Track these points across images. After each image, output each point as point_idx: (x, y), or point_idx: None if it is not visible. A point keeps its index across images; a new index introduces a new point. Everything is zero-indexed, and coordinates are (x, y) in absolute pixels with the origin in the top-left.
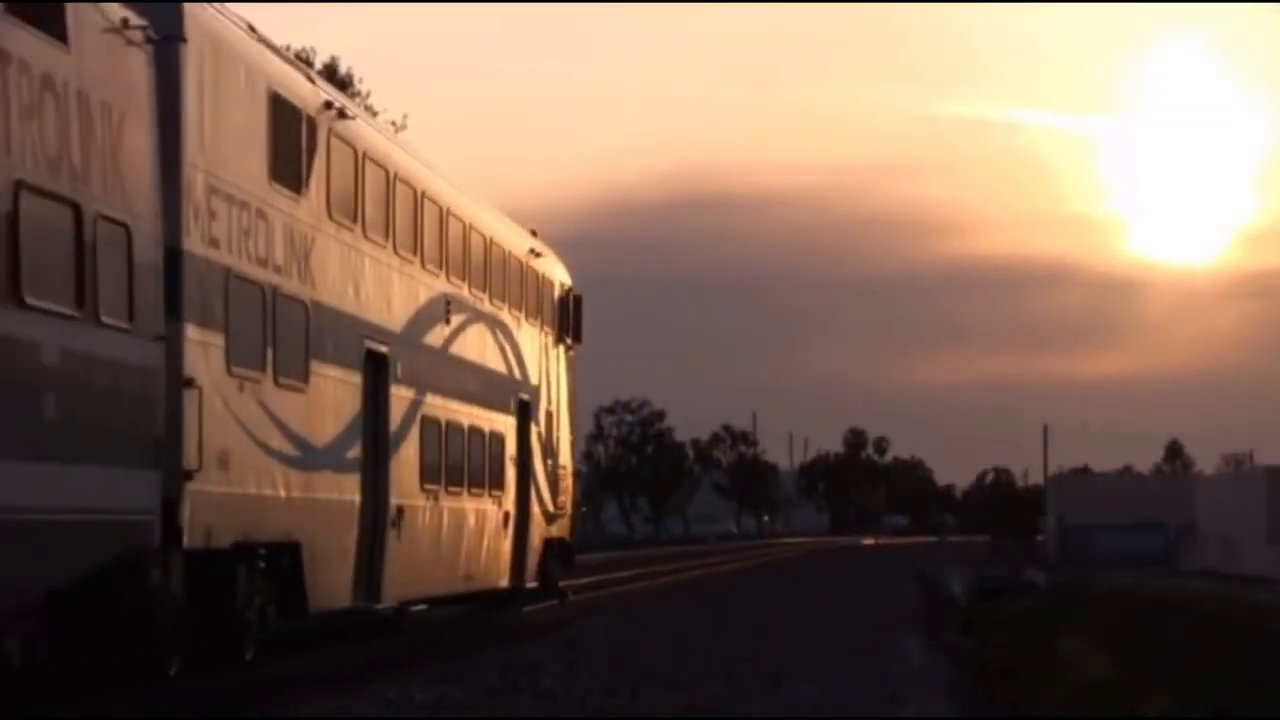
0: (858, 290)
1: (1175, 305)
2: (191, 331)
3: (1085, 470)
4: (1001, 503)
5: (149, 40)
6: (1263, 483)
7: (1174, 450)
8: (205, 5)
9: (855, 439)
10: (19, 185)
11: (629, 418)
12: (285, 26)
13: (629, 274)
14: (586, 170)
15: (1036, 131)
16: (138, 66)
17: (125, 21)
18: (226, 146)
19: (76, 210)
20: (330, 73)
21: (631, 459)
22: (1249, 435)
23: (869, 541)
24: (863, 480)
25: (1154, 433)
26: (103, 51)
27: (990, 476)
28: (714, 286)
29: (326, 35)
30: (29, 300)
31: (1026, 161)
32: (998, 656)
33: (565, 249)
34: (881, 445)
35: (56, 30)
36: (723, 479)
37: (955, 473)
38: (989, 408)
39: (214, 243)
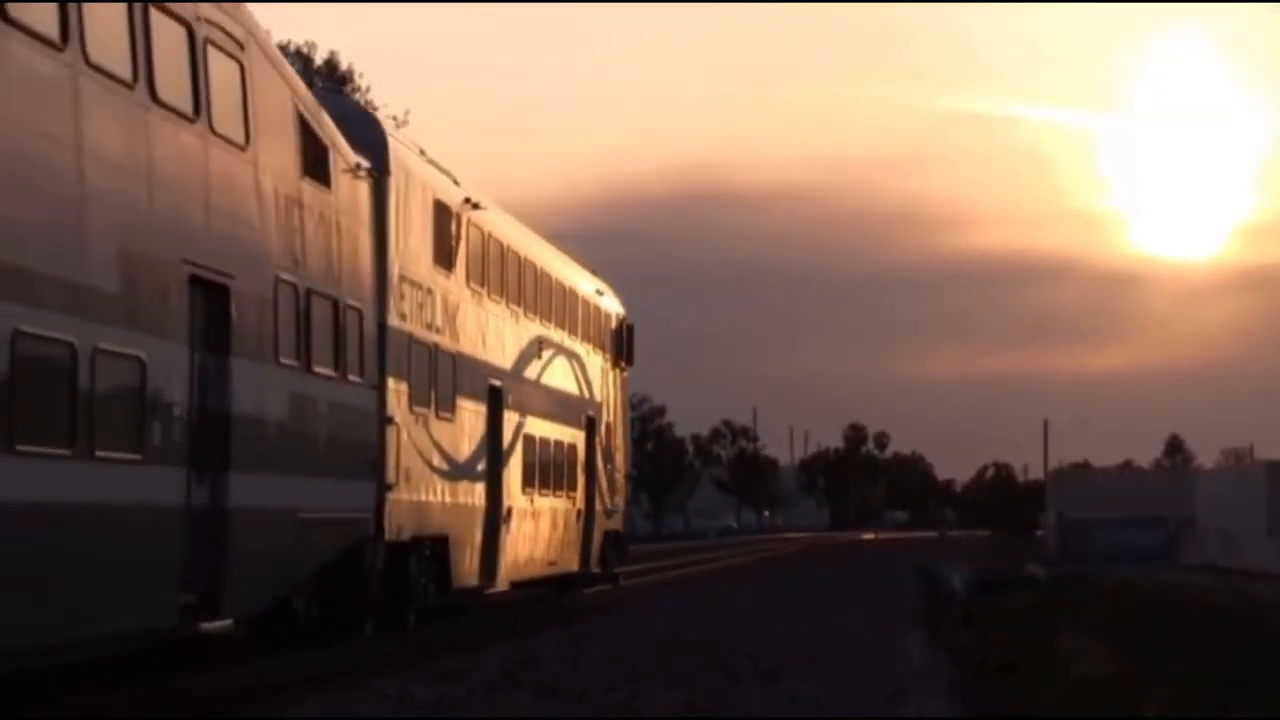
0: (858, 286)
1: (1175, 300)
2: (391, 383)
3: (1085, 465)
4: (1002, 498)
5: (370, 175)
6: (1262, 477)
7: (1174, 445)
8: (400, 142)
9: (855, 434)
10: (310, 292)
11: (630, 413)
12: (285, 23)
13: (629, 270)
14: (587, 166)
15: (1037, 127)
16: (364, 195)
17: (358, 165)
18: (410, 244)
19: (335, 303)
20: (330, 69)
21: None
22: (1249, 430)
23: (869, 537)
24: (863, 476)
25: (1154, 427)
26: (346, 188)
27: (990, 472)
28: (714, 282)
29: (327, 31)
30: (314, 368)
31: (1027, 157)
32: (998, 653)
33: (565, 243)
34: (882, 441)
35: (325, 179)
36: (723, 475)
37: (955, 468)
38: (989, 403)
39: (403, 316)
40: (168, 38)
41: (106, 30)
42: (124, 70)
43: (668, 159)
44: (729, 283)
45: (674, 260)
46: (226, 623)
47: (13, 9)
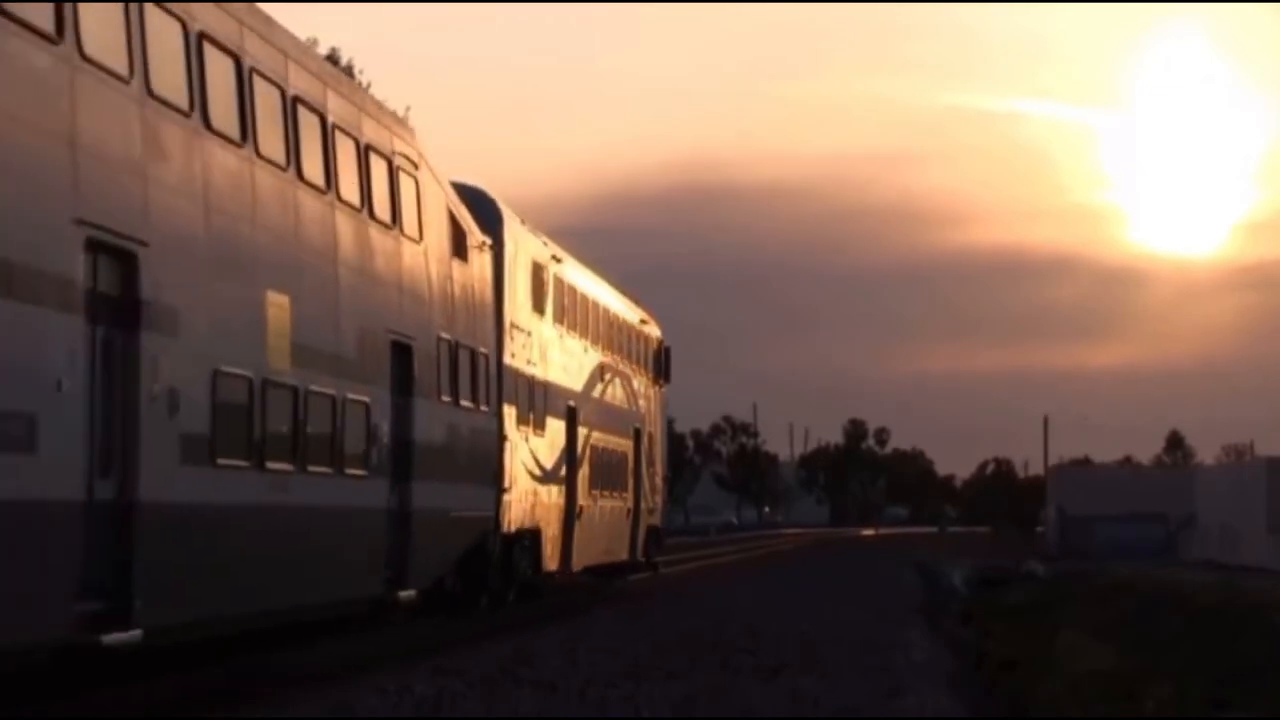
0: (858, 281)
1: (1176, 296)
2: (507, 409)
3: (1086, 461)
4: (1002, 494)
5: (491, 248)
6: (1263, 473)
7: (1175, 441)
8: (510, 217)
9: (855, 430)
10: (457, 344)
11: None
12: (285, 20)
13: (629, 265)
14: (586, 161)
15: (1037, 122)
16: (487, 264)
17: (483, 242)
18: (516, 298)
19: (472, 352)
20: (332, 65)
21: None
22: (1249, 426)
23: (869, 533)
24: (863, 471)
25: (1154, 424)
26: (477, 260)
27: (991, 468)
28: (714, 278)
29: (328, 26)
30: (460, 402)
31: (1027, 152)
32: (998, 648)
33: (564, 240)
34: (882, 436)
35: (464, 256)
36: (723, 470)
37: (956, 464)
38: (989, 399)
39: (513, 355)
40: (380, 171)
41: (349, 172)
42: (357, 200)
43: (667, 155)
44: (729, 278)
45: (673, 256)
46: (411, 593)
47: (307, 171)
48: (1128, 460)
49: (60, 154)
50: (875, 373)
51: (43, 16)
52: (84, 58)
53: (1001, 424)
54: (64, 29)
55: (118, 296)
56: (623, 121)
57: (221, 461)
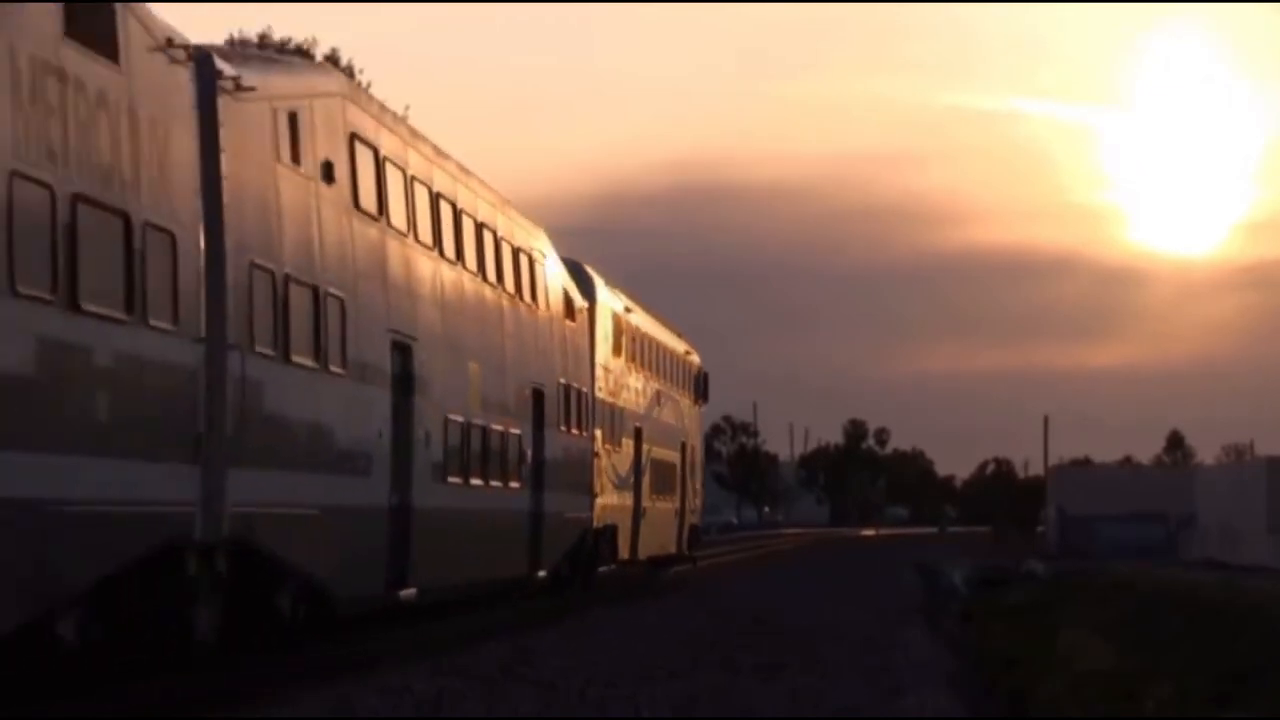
0: (858, 281)
1: (1176, 296)
2: (598, 433)
3: (1086, 461)
4: (1002, 494)
5: (587, 309)
6: (1263, 473)
7: (1175, 441)
8: (600, 283)
9: (855, 430)
10: (569, 386)
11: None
12: (285, 19)
13: (628, 265)
14: (586, 161)
15: (1037, 122)
16: (585, 321)
17: (583, 307)
18: (602, 344)
19: (578, 390)
20: (331, 64)
21: None
22: (1250, 426)
23: (869, 533)
24: (863, 471)
25: (1154, 423)
26: (580, 319)
27: (991, 468)
28: (714, 278)
29: (327, 25)
30: (570, 430)
31: (1027, 152)
32: (998, 647)
33: (565, 239)
34: (882, 436)
35: (572, 317)
36: (723, 470)
37: (956, 464)
38: (990, 399)
39: (600, 389)
40: (525, 263)
41: (509, 268)
42: (513, 288)
43: (667, 154)
44: (728, 279)
45: (673, 256)
46: (543, 573)
47: (489, 274)
48: (1128, 460)
49: (380, 289)
50: (875, 373)
51: (371, 204)
52: (390, 226)
53: (1001, 424)
54: (384, 211)
55: (401, 374)
56: (623, 121)
57: (449, 479)
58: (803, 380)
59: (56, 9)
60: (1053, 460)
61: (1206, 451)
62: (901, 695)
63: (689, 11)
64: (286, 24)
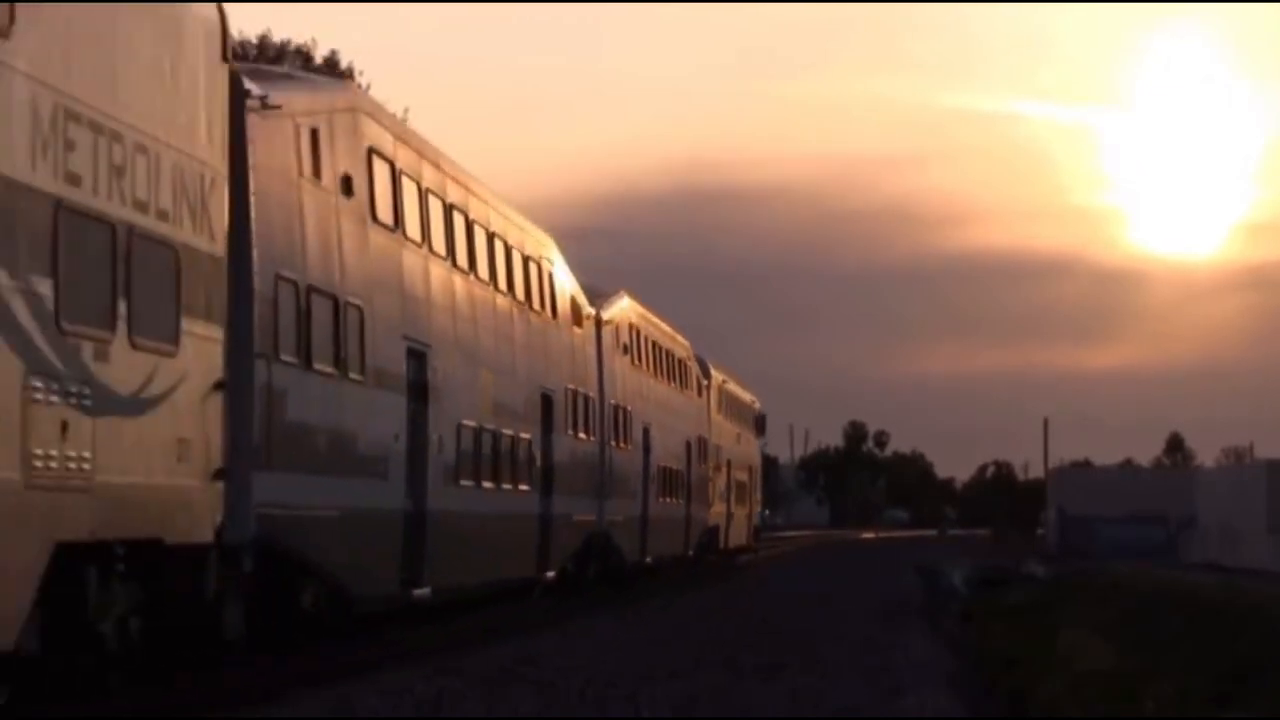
0: (858, 283)
1: (1176, 297)
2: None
3: (1086, 463)
4: (1002, 496)
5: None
6: (1263, 475)
7: (1174, 443)
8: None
9: (855, 432)
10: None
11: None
12: (285, 20)
13: (629, 265)
14: (588, 162)
15: (1038, 123)
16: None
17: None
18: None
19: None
20: (331, 67)
21: None
22: (1249, 428)
23: (869, 535)
24: (863, 473)
25: (1154, 425)
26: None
27: (991, 470)
28: (714, 279)
29: (328, 26)
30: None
31: (1027, 153)
32: (998, 647)
33: (566, 240)
34: (882, 439)
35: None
36: None
37: (955, 466)
38: (989, 400)
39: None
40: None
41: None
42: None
43: (667, 155)
44: (728, 280)
45: (673, 257)
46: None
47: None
48: (1128, 462)
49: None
50: (875, 374)
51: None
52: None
53: (1001, 426)
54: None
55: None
56: (624, 122)
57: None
58: (803, 382)
59: (570, 317)
60: (1053, 462)
61: (1206, 453)
62: (902, 695)
63: (690, 12)
64: (288, 24)
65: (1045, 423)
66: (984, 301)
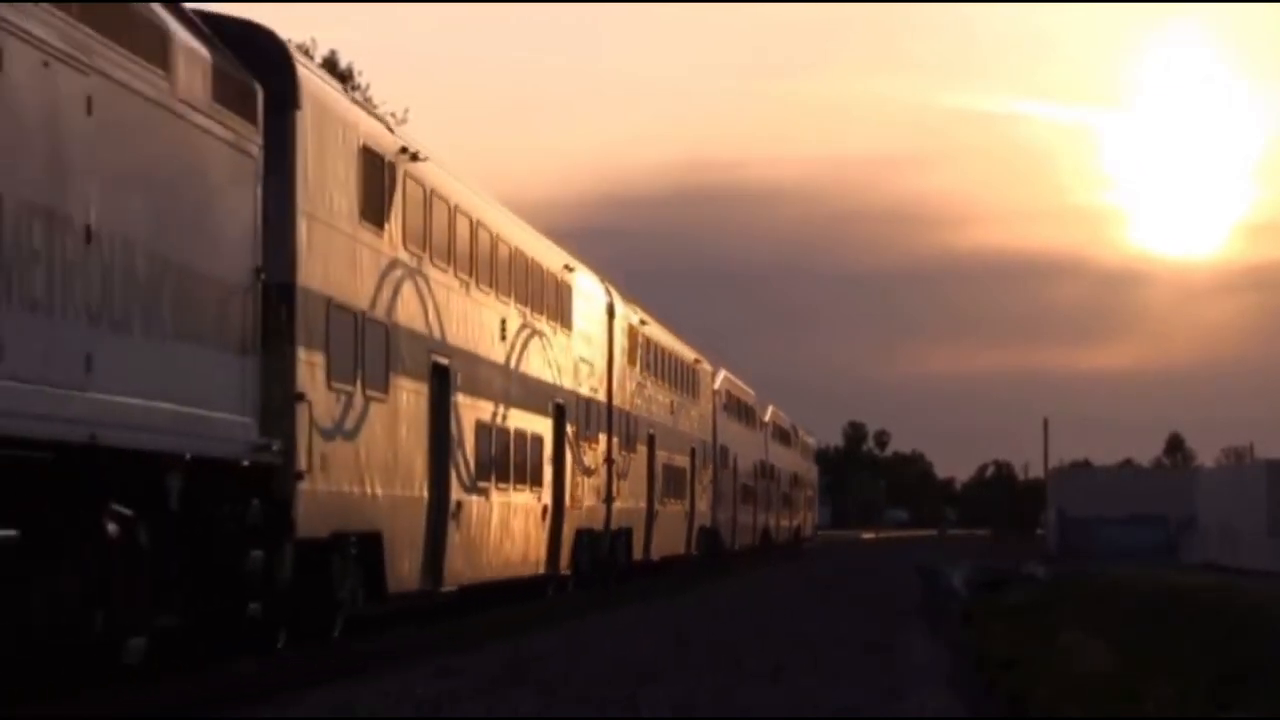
0: (858, 283)
1: (1176, 298)
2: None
3: (1086, 463)
4: (1002, 496)
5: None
6: (1263, 476)
7: (1174, 443)
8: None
9: (855, 432)
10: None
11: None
12: (285, 19)
13: (630, 266)
14: (589, 162)
15: (1039, 123)
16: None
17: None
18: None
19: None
20: (330, 66)
21: None
22: (1249, 428)
23: (869, 535)
24: (863, 473)
25: (1154, 426)
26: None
27: (991, 470)
28: (714, 279)
29: (326, 27)
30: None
31: (1029, 153)
32: (998, 648)
33: (567, 241)
34: (882, 439)
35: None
36: None
37: (955, 466)
38: (990, 401)
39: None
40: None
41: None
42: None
43: (668, 155)
44: (729, 280)
45: (673, 257)
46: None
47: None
48: (1128, 463)
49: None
50: (875, 374)
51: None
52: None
53: (1001, 426)
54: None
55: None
56: (625, 122)
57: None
58: (803, 382)
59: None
60: (1053, 462)
61: (1206, 454)
62: (901, 696)
63: (692, 12)
64: (287, 25)
65: (1045, 423)
66: (984, 301)
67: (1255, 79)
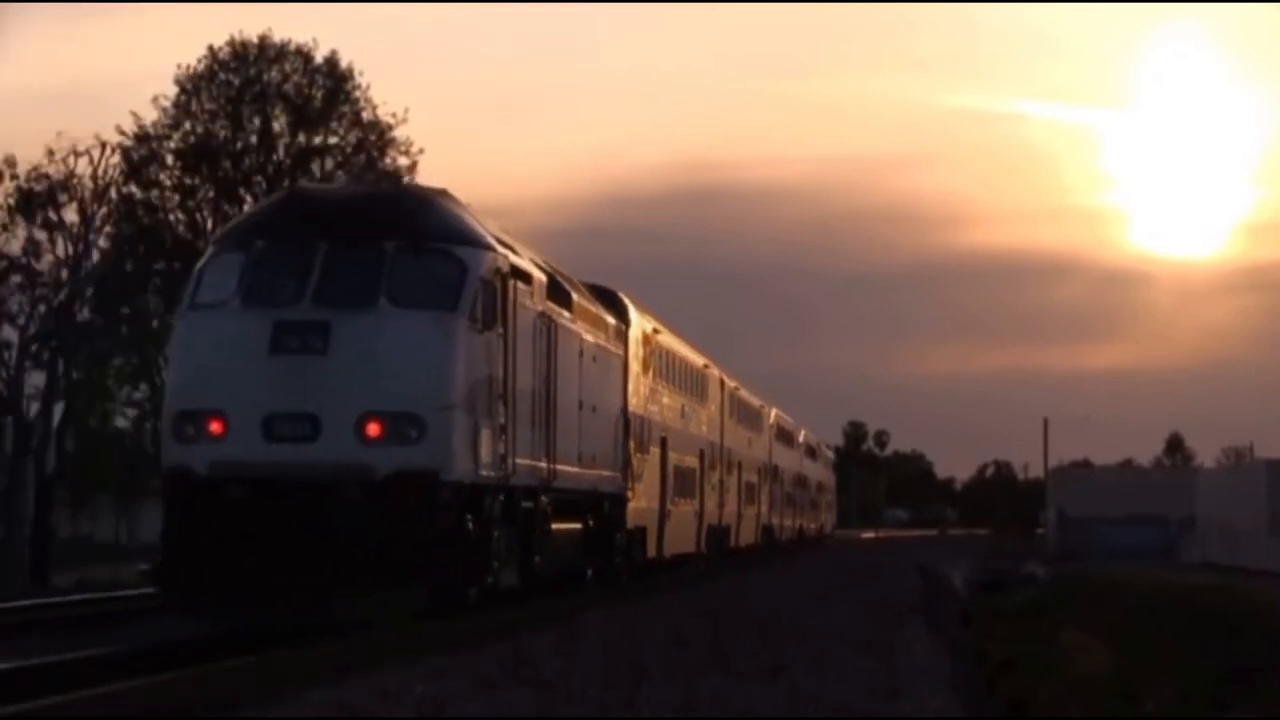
0: (859, 282)
1: (1177, 298)
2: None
3: (1086, 463)
4: (1002, 496)
5: (623, 334)
6: (1263, 475)
7: (1174, 443)
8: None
9: (855, 432)
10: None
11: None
12: (284, 22)
13: (630, 266)
14: (588, 161)
15: (1040, 123)
16: (622, 345)
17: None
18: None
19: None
20: (330, 67)
21: None
22: (1249, 428)
23: (870, 535)
24: (863, 472)
25: (1154, 425)
26: (615, 344)
27: (991, 470)
28: (713, 278)
29: (325, 27)
30: (809, 467)
31: (1029, 153)
32: (998, 649)
33: (566, 240)
34: (882, 438)
35: (615, 343)
36: None
37: (955, 465)
38: (990, 400)
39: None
40: (604, 336)
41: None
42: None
43: (668, 155)
44: (729, 279)
45: (674, 256)
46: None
47: (613, 349)
48: (1128, 462)
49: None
50: (875, 374)
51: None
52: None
53: (1002, 426)
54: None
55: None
56: (624, 121)
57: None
58: (803, 381)
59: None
60: (1052, 462)
61: (1206, 454)
62: (900, 697)
63: (690, 11)
64: (287, 25)
65: (1045, 423)
66: (984, 301)
67: (1257, 80)
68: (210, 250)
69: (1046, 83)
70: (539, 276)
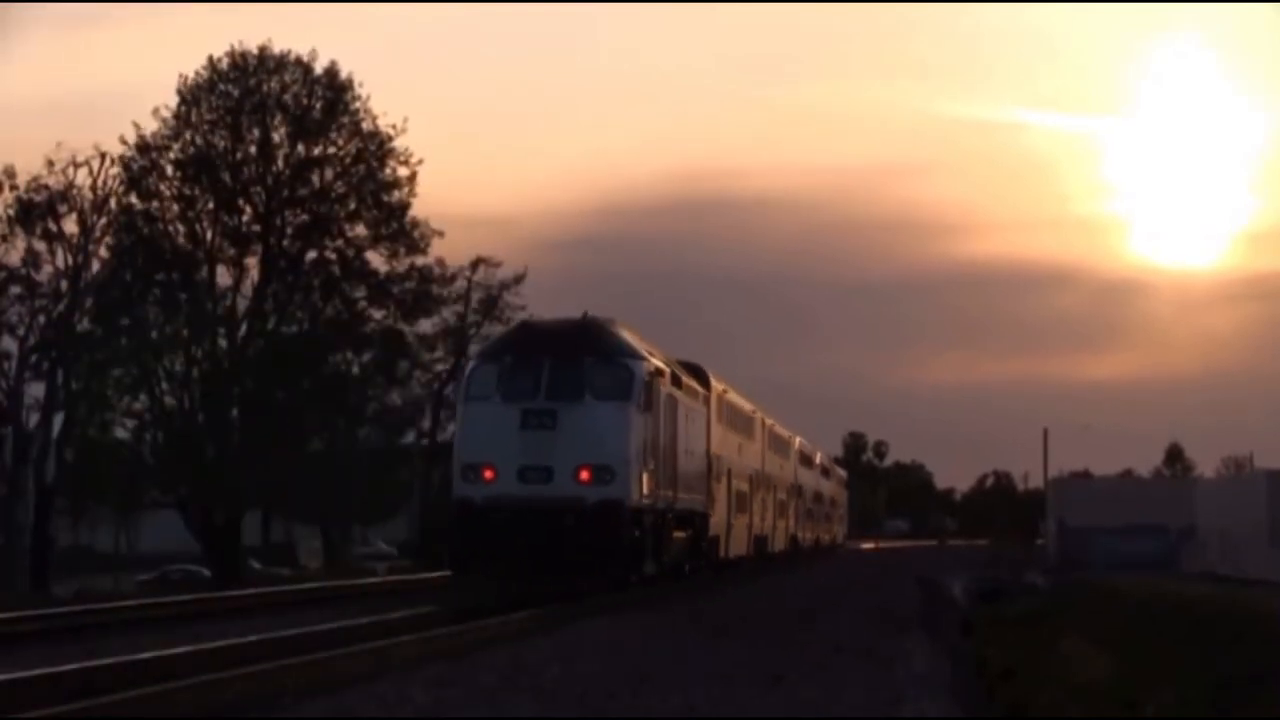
0: (858, 292)
1: (1177, 308)
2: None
3: (1086, 473)
4: (1002, 506)
5: (705, 396)
6: (1263, 485)
7: (1174, 453)
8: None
9: (855, 442)
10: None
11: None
12: (284, 27)
13: (630, 274)
14: (588, 170)
15: (1040, 132)
16: (705, 404)
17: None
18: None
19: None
20: (330, 78)
21: None
22: (1249, 438)
23: (869, 545)
24: (862, 483)
25: (1154, 435)
26: (700, 404)
27: (991, 480)
28: (714, 287)
29: (325, 35)
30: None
31: (1030, 162)
32: (998, 658)
33: (566, 249)
34: (881, 449)
35: (701, 403)
36: None
37: (955, 476)
38: (990, 410)
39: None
40: (695, 396)
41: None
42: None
43: (669, 163)
44: (729, 289)
45: (674, 266)
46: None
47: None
48: (1128, 472)
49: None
50: (875, 384)
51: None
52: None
53: (1002, 436)
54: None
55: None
56: (625, 130)
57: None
58: (802, 391)
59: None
60: (1052, 472)
61: (1206, 464)
62: (902, 705)
63: (691, 19)
64: (286, 32)
65: (1045, 433)
66: (985, 311)
67: (1258, 88)
68: (474, 361)
69: (1047, 91)
70: (668, 371)
